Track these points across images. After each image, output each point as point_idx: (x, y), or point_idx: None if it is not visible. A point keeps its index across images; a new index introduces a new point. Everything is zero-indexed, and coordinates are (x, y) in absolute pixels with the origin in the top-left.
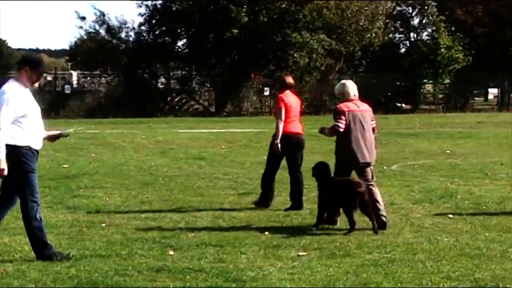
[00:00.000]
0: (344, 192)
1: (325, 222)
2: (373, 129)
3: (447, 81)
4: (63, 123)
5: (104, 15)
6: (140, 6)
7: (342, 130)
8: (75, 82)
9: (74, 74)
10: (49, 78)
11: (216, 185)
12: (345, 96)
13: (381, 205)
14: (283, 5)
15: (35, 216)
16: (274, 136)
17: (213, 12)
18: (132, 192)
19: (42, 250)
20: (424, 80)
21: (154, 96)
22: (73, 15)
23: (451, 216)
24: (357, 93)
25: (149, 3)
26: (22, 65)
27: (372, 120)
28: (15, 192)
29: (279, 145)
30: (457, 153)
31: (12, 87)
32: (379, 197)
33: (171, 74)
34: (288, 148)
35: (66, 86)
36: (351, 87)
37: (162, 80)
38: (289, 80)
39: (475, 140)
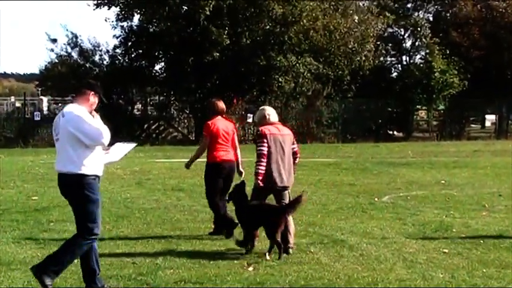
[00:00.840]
0: (265, 215)
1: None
2: (295, 153)
3: (442, 107)
4: (32, 153)
5: (76, 37)
6: (115, 28)
7: (264, 153)
8: (45, 109)
9: (45, 99)
10: (17, 104)
11: (196, 218)
12: (265, 120)
13: (291, 233)
14: (267, 27)
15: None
16: (207, 164)
17: (193, 34)
18: (106, 226)
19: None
20: (417, 106)
21: (130, 123)
22: (43, 37)
23: (446, 251)
24: (276, 118)
25: (124, 24)
26: (86, 89)
27: (293, 144)
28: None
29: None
30: (453, 183)
31: (84, 110)
32: (291, 223)
33: (148, 99)
34: (219, 175)
35: (35, 113)
36: (270, 112)
37: (139, 106)
38: (220, 105)
39: (472, 169)
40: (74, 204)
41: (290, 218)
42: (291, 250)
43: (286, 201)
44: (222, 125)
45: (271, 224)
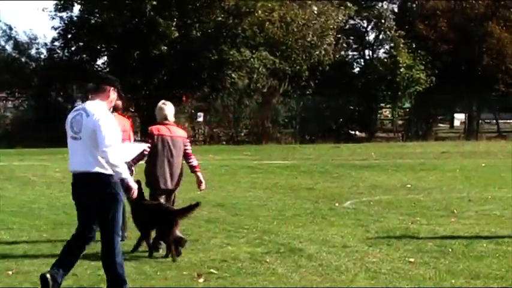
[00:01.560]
0: (157, 216)
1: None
2: (189, 155)
3: (407, 105)
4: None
5: (10, 28)
6: (53, 18)
7: (146, 153)
8: None
9: None
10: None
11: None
12: (160, 119)
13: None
14: (219, 18)
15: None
16: None
17: (139, 26)
18: (43, 234)
19: None
20: (381, 104)
21: None
22: None
23: (412, 260)
24: (173, 118)
25: (64, 15)
26: (106, 85)
27: (186, 146)
28: (97, 225)
29: None
30: (419, 187)
31: (106, 109)
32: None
33: (90, 96)
34: None
35: None
36: (169, 110)
37: (80, 103)
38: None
39: (440, 172)
40: (98, 205)
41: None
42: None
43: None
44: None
45: (163, 226)
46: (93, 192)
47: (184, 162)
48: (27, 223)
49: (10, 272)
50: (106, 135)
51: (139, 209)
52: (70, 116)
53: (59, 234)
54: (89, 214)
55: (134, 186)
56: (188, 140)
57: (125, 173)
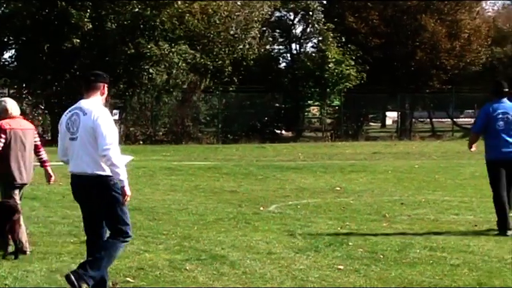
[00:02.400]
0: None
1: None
2: (38, 148)
3: (337, 102)
4: None
5: None
6: None
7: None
8: None
9: None
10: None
11: (53, 232)
12: (6, 114)
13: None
14: (136, 9)
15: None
16: None
17: (49, 17)
18: None
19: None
20: (309, 102)
21: None
22: None
23: (341, 267)
24: (18, 111)
25: None
26: (100, 82)
27: (35, 138)
28: (102, 226)
29: None
30: (349, 190)
31: (103, 106)
32: (22, 221)
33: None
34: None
35: None
36: (12, 104)
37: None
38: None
39: (370, 174)
40: (102, 206)
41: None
42: (28, 252)
43: (18, 198)
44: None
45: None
46: (94, 195)
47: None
48: None
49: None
50: (107, 134)
51: None
52: (65, 118)
53: None
54: (92, 215)
55: (129, 192)
56: (36, 132)
57: (123, 176)
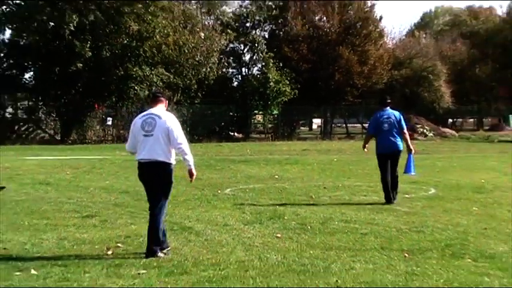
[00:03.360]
0: None
1: None
2: None
3: (276, 112)
4: None
5: None
6: None
7: None
8: None
9: None
10: None
11: (61, 209)
12: None
13: None
14: (125, 41)
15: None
16: None
17: (59, 47)
18: None
19: (154, 251)
20: (255, 111)
21: (1, 125)
22: None
23: (279, 235)
24: None
25: None
26: (164, 98)
27: None
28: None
29: None
30: (285, 178)
31: (168, 112)
32: None
33: (19, 104)
34: None
35: None
36: None
37: (10, 110)
38: None
39: (301, 165)
40: (161, 183)
41: None
42: None
43: None
44: None
45: None
46: (158, 174)
47: None
48: None
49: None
50: (178, 134)
51: None
52: (140, 120)
53: None
54: (154, 189)
55: (195, 173)
56: None
57: (191, 162)
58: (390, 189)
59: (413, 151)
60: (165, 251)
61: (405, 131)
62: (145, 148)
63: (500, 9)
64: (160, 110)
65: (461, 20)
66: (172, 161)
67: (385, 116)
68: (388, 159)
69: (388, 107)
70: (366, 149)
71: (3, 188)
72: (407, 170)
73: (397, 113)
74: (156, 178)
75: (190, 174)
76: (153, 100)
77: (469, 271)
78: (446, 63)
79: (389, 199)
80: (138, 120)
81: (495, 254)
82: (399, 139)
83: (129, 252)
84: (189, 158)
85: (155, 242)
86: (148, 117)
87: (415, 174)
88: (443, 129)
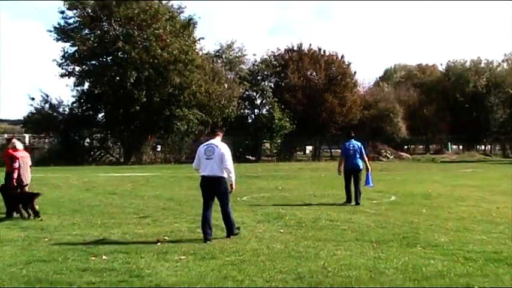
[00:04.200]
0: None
1: None
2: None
3: (279, 141)
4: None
5: (47, 96)
6: (72, 90)
7: (16, 167)
8: (27, 142)
9: (27, 136)
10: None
11: (124, 211)
12: (15, 147)
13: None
14: (170, 90)
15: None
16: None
17: (122, 95)
18: (66, 216)
19: (230, 232)
20: (264, 140)
21: (81, 151)
22: (25, 96)
23: (282, 231)
24: (22, 147)
25: (79, 88)
26: (220, 132)
27: (29, 161)
28: (212, 202)
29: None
30: (286, 189)
31: (222, 143)
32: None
33: (93, 136)
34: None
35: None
36: (17, 143)
37: (87, 140)
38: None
39: (298, 180)
40: (221, 192)
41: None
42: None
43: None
44: (22, 154)
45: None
46: (217, 186)
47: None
48: (56, 210)
49: (46, 239)
50: (228, 158)
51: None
52: (203, 148)
53: (75, 216)
54: (211, 196)
55: (234, 187)
56: (29, 157)
57: (233, 179)
58: (354, 195)
59: (370, 169)
60: (236, 232)
61: (364, 155)
62: (207, 168)
63: (441, 66)
64: (217, 141)
65: (413, 74)
66: (225, 176)
67: (351, 145)
68: (351, 174)
69: (353, 139)
70: (340, 173)
71: (40, 194)
72: (367, 182)
73: (359, 143)
74: (214, 187)
75: (231, 187)
76: (213, 133)
77: (420, 256)
78: (403, 105)
79: (349, 200)
80: (201, 148)
81: (438, 243)
82: (360, 161)
83: (173, 244)
84: (232, 175)
85: (229, 226)
86: (209, 146)
87: (373, 186)
88: (401, 153)
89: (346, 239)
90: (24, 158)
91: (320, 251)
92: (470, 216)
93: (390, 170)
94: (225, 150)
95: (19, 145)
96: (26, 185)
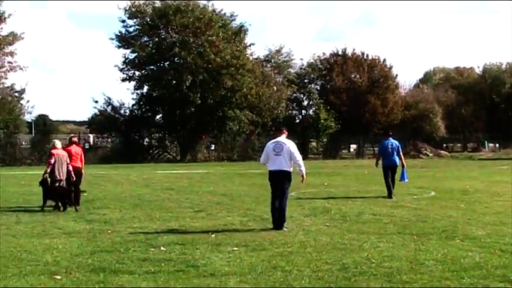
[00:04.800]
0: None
1: None
2: (68, 164)
3: (325, 139)
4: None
5: (110, 99)
6: (133, 93)
7: (51, 162)
8: (91, 141)
9: (91, 136)
10: (75, 139)
11: (181, 206)
12: (54, 147)
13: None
14: (223, 93)
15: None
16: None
17: (178, 97)
18: (127, 210)
19: (281, 224)
20: (311, 139)
21: (141, 150)
22: (90, 99)
23: (328, 224)
24: (60, 146)
25: (138, 91)
26: (285, 130)
27: (67, 159)
28: (284, 192)
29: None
30: (332, 185)
31: (288, 139)
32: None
33: (152, 136)
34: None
35: (86, 144)
36: (58, 143)
37: (146, 139)
38: (74, 139)
39: (343, 176)
40: (285, 184)
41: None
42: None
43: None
44: (74, 148)
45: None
46: (284, 179)
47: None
48: (118, 204)
49: (109, 231)
50: (297, 154)
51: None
52: (272, 145)
53: (135, 210)
54: (279, 188)
55: (305, 177)
56: (67, 155)
57: (304, 171)
58: (391, 188)
59: (405, 166)
60: (286, 225)
61: (401, 153)
62: (275, 163)
63: (478, 69)
64: (284, 138)
65: (451, 76)
66: (291, 170)
67: (389, 143)
68: (389, 170)
69: (391, 138)
70: (377, 166)
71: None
72: (402, 178)
73: (396, 142)
74: (281, 180)
75: (303, 178)
76: (279, 131)
77: (458, 248)
78: (441, 106)
79: (390, 195)
80: (270, 145)
81: (476, 236)
82: (397, 158)
83: (226, 235)
84: (303, 168)
85: (282, 219)
86: (277, 143)
87: (407, 181)
88: (440, 151)
89: (389, 232)
90: (61, 156)
91: (364, 243)
92: (507, 211)
93: (430, 167)
94: (292, 147)
95: (58, 144)
96: (61, 180)
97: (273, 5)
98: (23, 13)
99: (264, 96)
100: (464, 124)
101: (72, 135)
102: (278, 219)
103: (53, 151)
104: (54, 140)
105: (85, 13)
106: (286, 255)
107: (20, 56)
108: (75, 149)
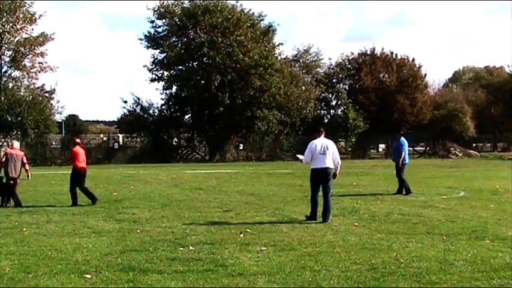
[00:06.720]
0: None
1: None
2: (25, 164)
3: (353, 139)
4: (113, 167)
5: (139, 99)
6: (162, 94)
7: (3, 161)
8: (121, 141)
9: (120, 136)
10: (104, 138)
11: (209, 205)
12: (11, 147)
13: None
14: (251, 93)
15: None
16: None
17: (207, 97)
18: (156, 210)
19: (328, 215)
20: (339, 139)
21: (170, 150)
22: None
23: (356, 224)
24: (18, 145)
25: (167, 91)
26: (322, 130)
27: (23, 159)
28: (329, 188)
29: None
30: (360, 185)
31: (330, 141)
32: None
33: (181, 135)
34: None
35: (115, 144)
36: (16, 143)
37: (175, 139)
38: (77, 140)
39: (371, 176)
40: (328, 181)
41: None
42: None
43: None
44: (80, 150)
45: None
46: (327, 175)
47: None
48: (147, 204)
49: (138, 231)
50: (337, 154)
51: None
52: (317, 144)
53: (164, 210)
54: (323, 184)
55: (338, 175)
56: (22, 154)
57: (339, 169)
58: (406, 185)
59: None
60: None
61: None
62: (321, 161)
63: (508, 68)
64: (324, 139)
65: (481, 75)
66: (333, 167)
67: (406, 141)
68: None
69: (402, 136)
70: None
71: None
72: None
73: (404, 140)
74: (325, 177)
75: (335, 175)
76: (319, 132)
77: (488, 249)
78: (471, 106)
79: (409, 191)
80: (314, 145)
81: (506, 237)
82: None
83: (255, 235)
84: (339, 167)
85: (329, 210)
86: (322, 143)
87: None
88: (469, 151)
89: (417, 232)
90: (14, 155)
91: (392, 243)
92: None
93: (459, 166)
94: (334, 147)
95: (16, 144)
96: (14, 178)
97: (302, 5)
98: (53, 14)
99: (292, 96)
100: (494, 124)
101: (102, 135)
102: (325, 211)
103: (7, 150)
104: (13, 141)
105: (115, 14)
106: (314, 255)
107: (50, 56)
108: (80, 150)
